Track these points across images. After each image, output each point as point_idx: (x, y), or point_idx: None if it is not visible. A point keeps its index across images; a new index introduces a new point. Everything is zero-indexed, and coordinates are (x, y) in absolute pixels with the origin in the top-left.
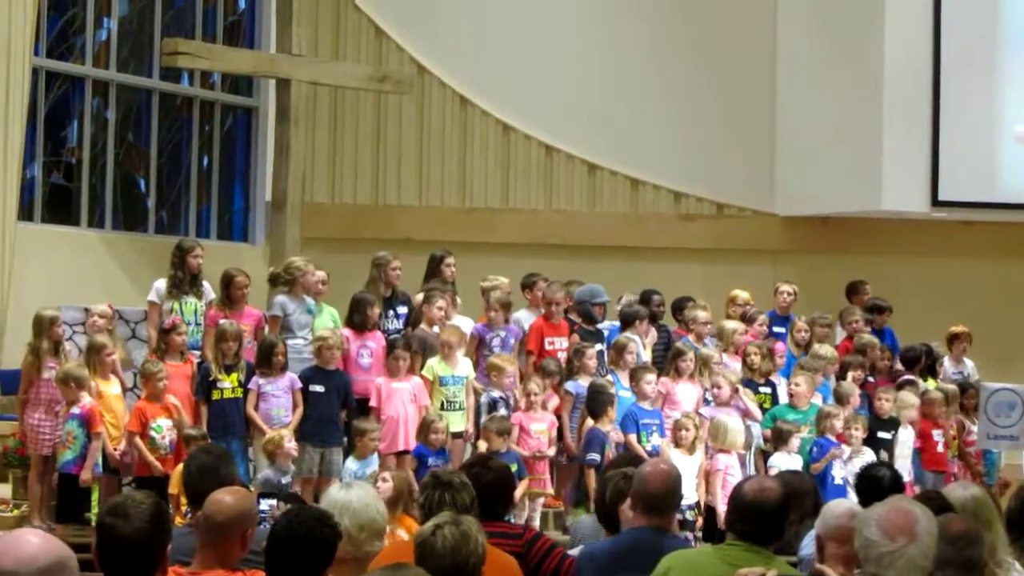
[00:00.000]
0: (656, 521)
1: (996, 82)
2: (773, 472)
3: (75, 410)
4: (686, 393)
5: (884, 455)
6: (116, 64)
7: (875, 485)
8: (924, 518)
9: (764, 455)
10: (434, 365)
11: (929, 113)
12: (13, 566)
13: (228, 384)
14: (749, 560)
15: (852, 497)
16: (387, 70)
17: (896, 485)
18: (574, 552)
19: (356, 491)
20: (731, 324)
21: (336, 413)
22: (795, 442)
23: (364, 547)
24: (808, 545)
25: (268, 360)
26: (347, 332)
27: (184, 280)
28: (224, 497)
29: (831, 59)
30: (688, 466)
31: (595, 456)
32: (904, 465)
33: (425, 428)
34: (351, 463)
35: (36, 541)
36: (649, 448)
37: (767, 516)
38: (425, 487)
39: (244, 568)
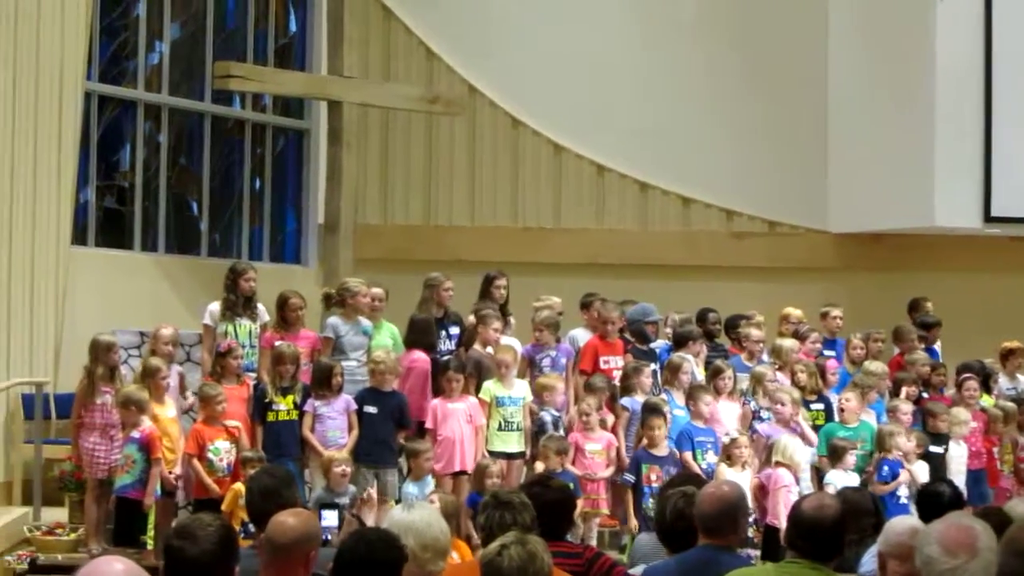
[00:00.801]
0: (717, 540)
1: None
2: (830, 490)
3: (134, 434)
4: (726, 411)
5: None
6: (168, 88)
7: (935, 501)
8: (984, 534)
9: (818, 472)
10: (491, 386)
11: (981, 128)
12: None
13: (283, 407)
14: None
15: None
16: (438, 91)
17: (957, 502)
18: (635, 572)
19: (419, 511)
20: (787, 342)
21: (391, 435)
22: (850, 459)
23: (428, 567)
24: (868, 562)
25: (326, 383)
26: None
27: (238, 303)
28: (287, 519)
29: (883, 75)
30: (741, 482)
31: (629, 477)
32: (958, 481)
33: (479, 474)
34: (409, 486)
35: (120, 568)
36: (704, 466)
37: (826, 533)
38: (485, 507)
39: None
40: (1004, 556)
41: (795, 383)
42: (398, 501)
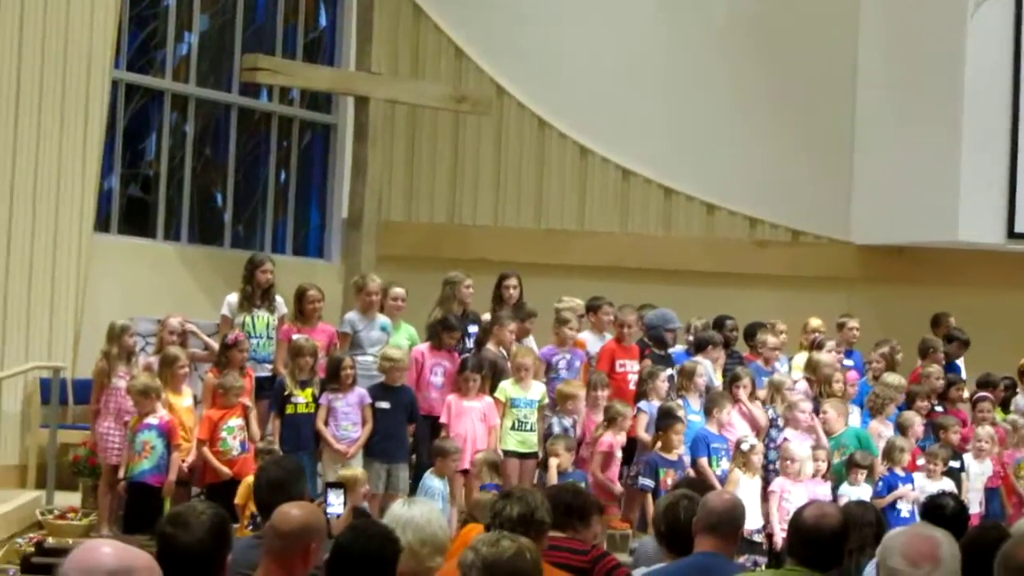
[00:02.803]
0: (718, 547)
1: None
2: (843, 502)
3: (152, 420)
4: (741, 418)
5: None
6: (196, 79)
7: (938, 514)
8: (946, 542)
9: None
10: (507, 387)
11: (1007, 144)
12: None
13: (303, 399)
14: None
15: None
16: (466, 90)
17: (959, 515)
18: (637, 574)
19: (419, 507)
20: (822, 357)
21: (402, 430)
22: (861, 476)
23: (426, 563)
24: (870, 573)
25: (336, 376)
26: (424, 349)
27: (255, 294)
28: (292, 509)
29: (911, 88)
30: (754, 489)
31: (648, 481)
32: (975, 497)
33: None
34: (432, 480)
35: (108, 551)
36: (719, 472)
37: (826, 542)
38: (496, 499)
39: None
40: (999, 572)
41: (830, 392)
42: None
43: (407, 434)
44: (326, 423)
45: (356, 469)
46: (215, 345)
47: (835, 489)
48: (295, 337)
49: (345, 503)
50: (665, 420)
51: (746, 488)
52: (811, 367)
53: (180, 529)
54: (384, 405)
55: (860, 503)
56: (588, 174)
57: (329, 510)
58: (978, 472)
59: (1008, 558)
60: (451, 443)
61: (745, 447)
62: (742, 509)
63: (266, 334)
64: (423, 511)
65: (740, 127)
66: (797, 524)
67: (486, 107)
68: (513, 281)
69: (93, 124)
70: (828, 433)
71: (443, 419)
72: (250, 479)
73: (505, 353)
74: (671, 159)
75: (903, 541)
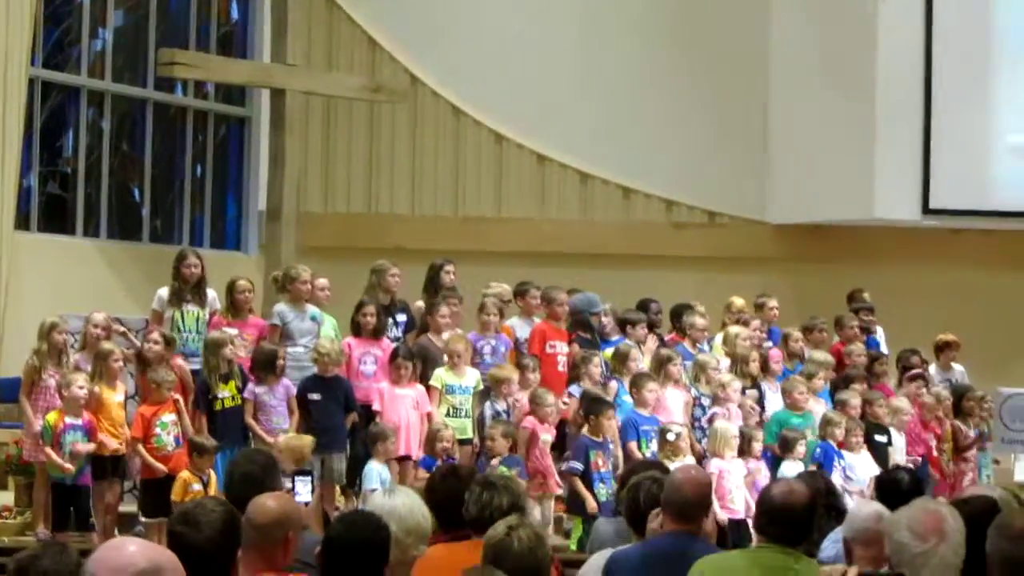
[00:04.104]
0: (686, 527)
1: (987, 91)
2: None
3: (77, 420)
4: (675, 399)
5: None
6: (111, 74)
7: (895, 488)
8: (951, 517)
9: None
10: (442, 374)
11: (921, 122)
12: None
13: (227, 393)
14: (783, 562)
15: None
16: (380, 80)
17: (917, 487)
18: (597, 557)
19: (401, 497)
20: (735, 329)
21: (339, 420)
22: (801, 449)
23: (410, 551)
24: (828, 547)
25: (270, 367)
26: (351, 340)
27: (184, 290)
28: (266, 500)
29: (823, 69)
30: None
31: (576, 465)
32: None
33: (432, 438)
34: (377, 466)
35: (133, 550)
36: (648, 455)
37: (797, 518)
38: (473, 490)
39: (292, 572)
40: (995, 540)
41: (742, 372)
42: (346, 485)
43: (343, 424)
44: (255, 418)
45: (302, 437)
46: (138, 344)
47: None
48: (211, 333)
49: (313, 490)
50: (596, 406)
51: None
52: (728, 343)
53: (191, 528)
54: (315, 396)
55: (810, 473)
56: (504, 161)
57: (297, 498)
58: (899, 446)
59: (1005, 527)
60: (386, 426)
61: (671, 437)
62: (709, 486)
63: (196, 328)
64: (405, 501)
65: (655, 110)
66: (766, 502)
67: (401, 97)
68: (452, 267)
69: (11, 122)
70: (799, 411)
71: (376, 407)
72: (185, 474)
73: (442, 339)
74: (587, 144)
75: (909, 516)
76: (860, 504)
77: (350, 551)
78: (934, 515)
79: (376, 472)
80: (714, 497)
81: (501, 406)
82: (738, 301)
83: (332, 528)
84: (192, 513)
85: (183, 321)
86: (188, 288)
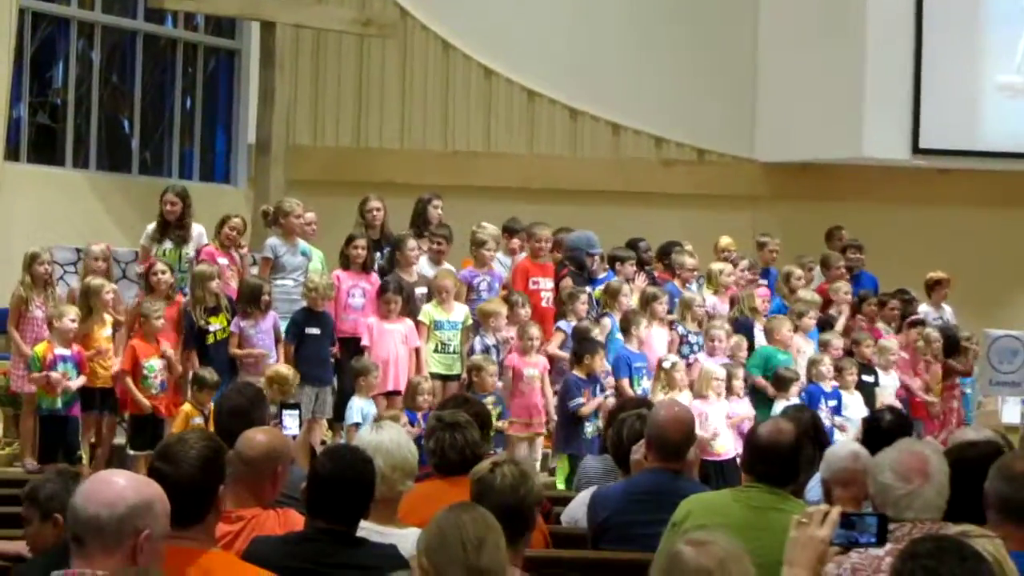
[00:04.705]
0: (672, 465)
1: (977, 30)
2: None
3: (66, 351)
4: (659, 337)
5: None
6: (101, 5)
7: (880, 427)
8: (935, 458)
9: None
10: (430, 310)
11: (911, 60)
12: (96, 510)
13: (218, 326)
14: (770, 502)
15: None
16: (370, 14)
17: (902, 427)
18: (583, 494)
19: (388, 432)
20: (718, 266)
21: (328, 354)
22: (795, 389)
23: (397, 487)
24: (814, 489)
25: (255, 301)
26: (340, 273)
27: (167, 226)
28: (256, 435)
29: (814, 5)
30: None
31: (580, 400)
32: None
33: (411, 391)
34: (359, 401)
35: (121, 483)
36: (640, 391)
37: (784, 458)
38: (433, 431)
39: (278, 507)
40: (994, 481)
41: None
42: (332, 418)
43: (330, 358)
44: (240, 348)
45: (288, 368)
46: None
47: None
48: (197, 267)
49: (301, 424)
50: (585, 345)
51: None
52: (712, 281)
53: (170, 464)
54: (314, 331)
55: (797, 407)
56: (493, 96)
57: (285, 431)
58: (891, 385)
59: (1005, 468)
60: (369, 361)
61: (667, 365)
62: (692, 423)
63: (178, 267)
64: (392, 436)
65: (645, 47)
66: (753, 441)
67: (391, 30)
68: (439, 202)
69: (1, 53)
70: (784, 348)
71: (365, 342)
72: (187, 408)
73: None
74: (576, 80)
75: (892, 458)
76: (837, 445)
77: (336, 486)
78: (918, 456)
79: (358, 407)
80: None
81: (491, 340)
82: (724, 240)
83: (318, 463)
84: (172, 448)
85: (165, 257)
86: (171, 227)
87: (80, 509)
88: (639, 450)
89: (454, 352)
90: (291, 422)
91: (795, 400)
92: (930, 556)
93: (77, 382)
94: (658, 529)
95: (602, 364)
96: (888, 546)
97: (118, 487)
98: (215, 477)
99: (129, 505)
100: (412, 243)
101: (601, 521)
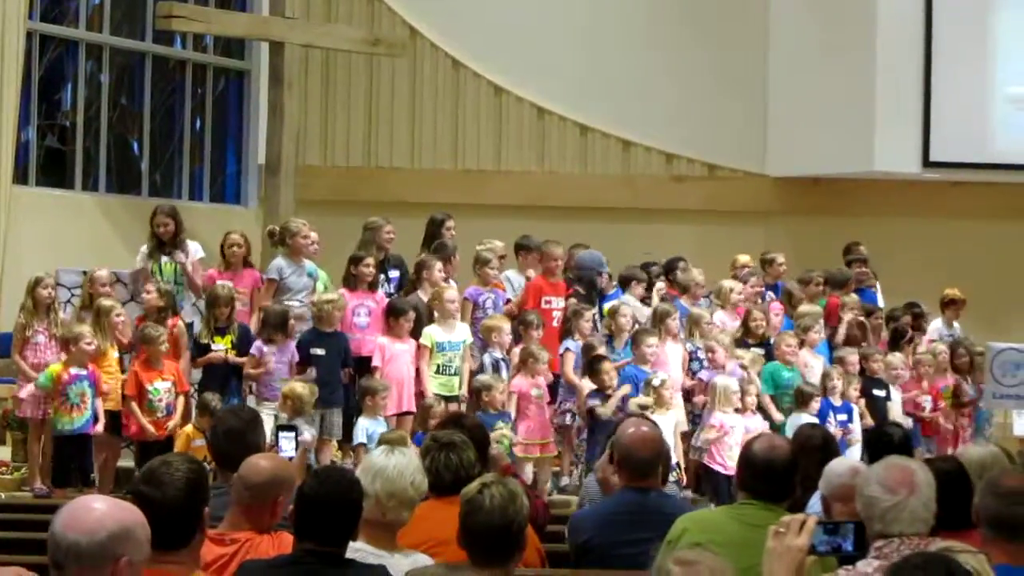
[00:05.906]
0: (642, 483)
1: (988, 43)
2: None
3: (82, 371)
4: (673, 354)
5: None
6: (110, 27)
7: (885, 443)
8: (921, 472)
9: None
10: (432, 331)
11: (921, 74)
12: (75, 537)
13: (222, 347)
14: (766, 519)
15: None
16: (380, 33)
17: (906, 443)
18: (579, 513)
19: (396, 458)
20: (728, 283)
21: (336, 375)
22: (815, 404)
23: (388, 515)
24: (815, 505)
25: (282, 327)
26: (345, 292)
27: (164, 245)
28: (261, 461)
29: (824, 20)
30: (667, 425)
31: (595, 401)
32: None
33: (423, 414)
34: (365, 421)
35: (100, 507)
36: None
37: (778, 474)
38: (428, 450)
39: (274, 530)
40: (984, 497)
41: (749, 328)
42: (342, 440)
43: (340, 379)
44: (256, 379)
45: (308, 386)
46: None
47: None
48: (216, 284)
49: (297, 446)
50: (592, 361)
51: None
52: (722, 297)
53: (154, 488)
54: (319, 352)
55: (812, 425)
56: (503, 113)
57: (281, 453)
58: (897, 401)
59: (994, 484)
60: (378, 381)
61: (656, 382)
62: (661, 441)
63: (174, 280)
64: (398, 463)
65: (654, 63)
66: (748, 458)
67: (400, 49)
68: (452, 223)
69: (9, 75)
70: (785, 363)
71: (376, 362)
72: (188, 429)
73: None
74: (586, 96)
75: (879, 471)
76: (836, 461)
77: (322, 507)
78: (904, 469)
79: (363, 428)
80: (676, 442)
81: (499, 354)
82: (743, 257)
83: (305, 484)
84: (157, 472)
85: (161, 274)
86: (165, 245)
87: (60, 536)
88: (600, 469)
89: (454, 373)
90: (287, 444)
91: (814, 416)
92: (917, 570)
93: (97, 402)
94: (637, 548)
95: (613, 375)
96: (876, 563)
97: (98, 513)
98: (200, 500)
99: (109, 532)
100: (440, 265)
101: (581, 543)
